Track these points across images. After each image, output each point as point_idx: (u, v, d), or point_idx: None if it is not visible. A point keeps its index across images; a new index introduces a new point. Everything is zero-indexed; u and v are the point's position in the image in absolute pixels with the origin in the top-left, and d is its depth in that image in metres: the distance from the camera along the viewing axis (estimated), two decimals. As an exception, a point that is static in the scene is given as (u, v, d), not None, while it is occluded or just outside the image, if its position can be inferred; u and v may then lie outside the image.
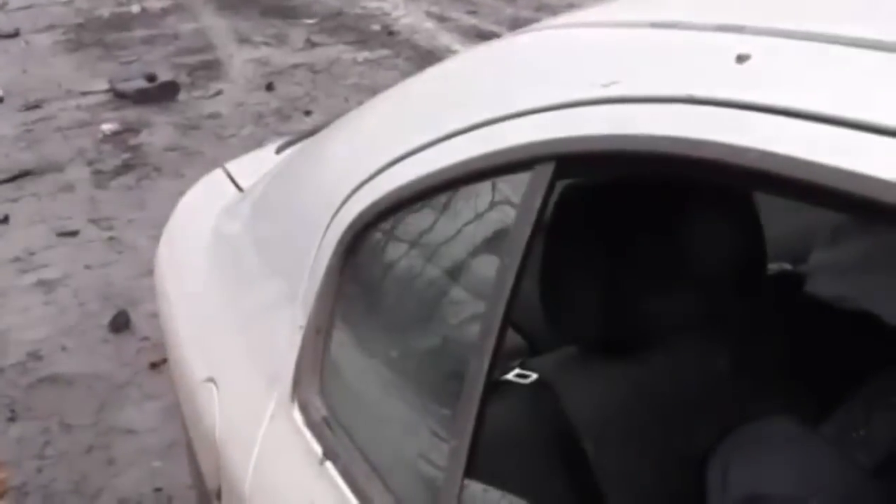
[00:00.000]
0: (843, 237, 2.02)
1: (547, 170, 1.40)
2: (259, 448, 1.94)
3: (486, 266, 1.67)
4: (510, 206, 1.54)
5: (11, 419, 4.51)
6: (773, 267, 2.01)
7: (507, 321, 1.43)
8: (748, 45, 1.24)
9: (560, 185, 1.49)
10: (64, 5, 12.86)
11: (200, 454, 2.27)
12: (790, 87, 1.16)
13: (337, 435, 1.78)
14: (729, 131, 1.16)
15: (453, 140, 1.61)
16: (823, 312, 1.84)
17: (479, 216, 1.72)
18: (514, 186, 1.50)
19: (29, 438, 4.36)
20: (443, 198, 1.71)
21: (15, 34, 11.70)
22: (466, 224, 1.74)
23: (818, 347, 1.77)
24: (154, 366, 4.60)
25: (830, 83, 1.13)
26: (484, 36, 9.63)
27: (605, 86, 1.36)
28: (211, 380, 2.17)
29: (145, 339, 4.88)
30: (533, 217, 1.41)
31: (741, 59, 1.22)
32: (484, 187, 1.66)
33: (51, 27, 11.92)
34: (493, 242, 1.66)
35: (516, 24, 9.76)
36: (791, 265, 2.17)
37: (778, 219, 1.87)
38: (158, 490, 3.96)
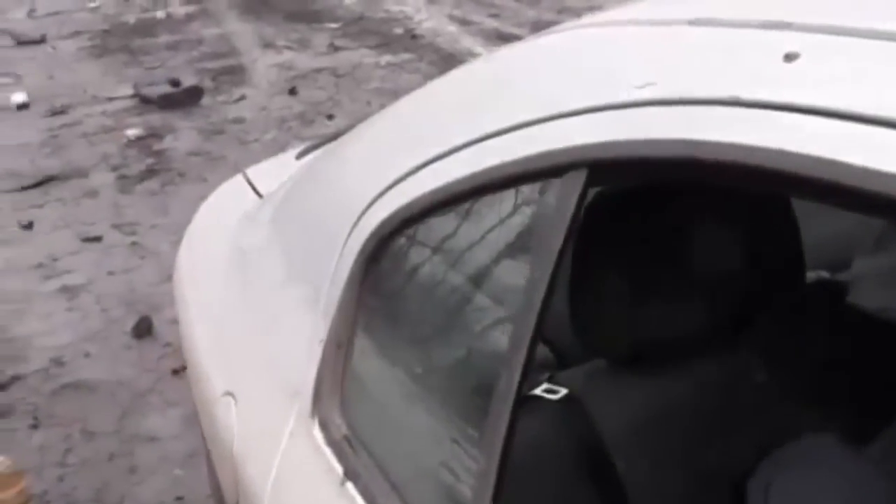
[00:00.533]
0: (888, 245, 1.92)
1: (579, 177, 1.31)
2: (278, 466, 1.84)
3: (508, 272, 1.58)
4: (533, 207, 1.45)
5: (34, 426, 4.45)
6: (810, 275, 1.91)
7: (538, 337, 1.34)
8: (796, 43, 1.14)
9: (591, 193, 1.40)
10: (90, 12, 12.88)
11: (219, 469, 2.18)
12: (845, 89, 1.06)
13: (358, 454, 1.69)
14: (780, 136, 1.06)
15: (479, 145, 1.51)
16: (867, 324, 1.74)
17: (503, 221, 1.62)
18: (540, 189, 1.41)
19: (51, 446, 4.30)
20: (469, 205, 1.61)
21: (42, 40, 11.71)
22: (492, 231, 1.65)
23: (862, 361, 1.66)
24: (176, 372, 4.54)
25: (890, 84, 1.03)
26: (506, 39, 9.56)
27: (640, 87, 1.26)
28: (229, 394, 2.08)
29: (168, 345, 4.82)
30: (564, 227, 1.31)
31: (789, 57, 1.12)
32: (509, 192, 1.56)
33: (77, 33, 11.93)
34: (516, 246, 1.57)
35: (538, 27, 9.68)
36: (829, 273, 2.07)
37: (813, 224, 1.77)
38: (180, 499, 3.89)
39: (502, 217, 1.57)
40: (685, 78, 1.25)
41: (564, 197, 1.32)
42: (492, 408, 1.37)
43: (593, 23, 1.66)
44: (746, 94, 1.12)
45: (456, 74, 1.98)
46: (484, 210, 1.59)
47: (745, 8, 1.35)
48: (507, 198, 1.53)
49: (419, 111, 1.93)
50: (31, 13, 13.13)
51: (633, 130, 1.25)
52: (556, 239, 1.32)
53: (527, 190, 1.47)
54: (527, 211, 1.49)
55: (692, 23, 1.36)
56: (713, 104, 1.16)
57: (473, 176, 1.51)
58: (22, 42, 11.84)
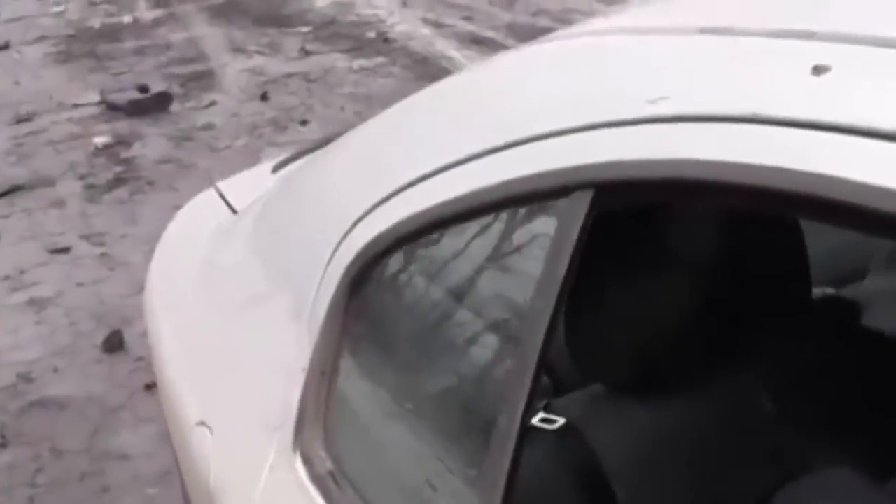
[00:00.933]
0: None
1: (585, 198, 1.22)
2: (258, 502, 1.75)
3: (507, 298, 1.50)
4: (535, 229, 1.37)
5: (2, 445, 4.35)
6: (815, 292, 1.83)
7: (542, 369, 1.25)
8: (823, 55, 1.05)
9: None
10: (54, 17, 12.73)
11: (195, 502, 2.08)
12: (881, 106, 0.97)
13: (344, 491, 1.60)
14: (807, 157, 0.98)
15: (473, 163, 1.42)
16: (884, 347, 1.66)
17: (500, 244, 1.53)
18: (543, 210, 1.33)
19: (20, 465, 4.19)
20: (464, 227, 1.52)
21: (5, 46, 11.56)
22: (487, 254, 1.55)
23: (879, 388, 1.58)
24: (149, 387, 4.41)
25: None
26: (481, 42, 9.51)
27: (651, 102, 1.17)
28: (204, 423, 1.97)
29: (140, 359, 4.68)
30: (569, 252, 1.22)
31: (819, 70, 1.03)
32: (507, 213, 1.47)
33: (42, 38, 11.79)
34: (516, 271, 1.49)
35: (514, 30, 9.64)
36: (834, 290, 1.99)
37: (814, 237, 1.69)
38: (154, 519, 3.78)
39: (500, 240, 1.48)
40: (700, 92, 1.17)
41: (569, 219, 1.24)
42: (492, 443, 1.29)
43: (594, 31, 1.57)
44: (772, 111, 1.04)
45: (447, 84, 1.88)
46: (480, 232, 1.50)
47: (759, 15, 1.27)
48: (506, 219, 1.44)
49: (406, 124, 1.84)
50: (-7, 19, 12.99)
51: (645, 149, 1.16)
52: (561, 265, 1.23)
53: (528, 211, 1.38)
54: (528, 233, 1.40)
55: (703, 31, 1.27)
56: (734, 121, 1.07)
57: (467, 196, 1.42)
58: (-14, 48, 11.72)
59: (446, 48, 9.53)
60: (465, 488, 1.40)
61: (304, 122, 7.93)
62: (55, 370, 4.84)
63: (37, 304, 5.49)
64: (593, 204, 1.22)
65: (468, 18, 10.62)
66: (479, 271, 1.57)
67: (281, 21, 11.35)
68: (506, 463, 1.26)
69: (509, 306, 1.46)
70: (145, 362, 4.50)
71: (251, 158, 6.70)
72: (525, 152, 1.32)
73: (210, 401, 2.03)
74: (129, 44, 11.17)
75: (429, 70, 8.55)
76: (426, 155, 1.56)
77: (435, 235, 1.55)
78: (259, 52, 10.26)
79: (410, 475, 1.61)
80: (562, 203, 1.25)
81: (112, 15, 12.48)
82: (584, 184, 1.22)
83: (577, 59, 1.49)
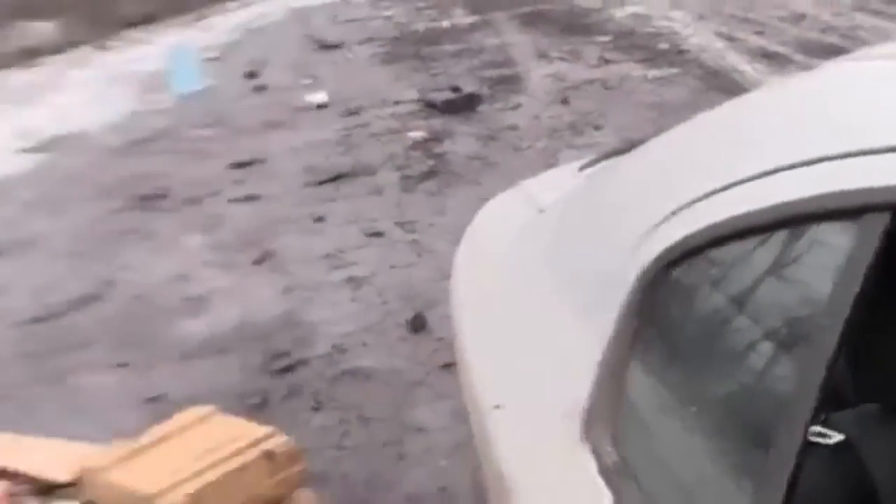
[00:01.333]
0: None
1: (881, 219, 1.15)
2: (547, 489, 1.73)
3: (794, 314, 1.42)
4: (826, 249, 1.29)
5: (316, 408, 4.49)
6: None
7: (826, 387, 1.18)
8: None
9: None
10: (383, 20, 13.15)
11: (488, 482, 2.07)
12: None
13: (631, 488, 1.55)
14: None
15: (768, 178, 1.36)
16: None
17: (790, 260, 1.46)
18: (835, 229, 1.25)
19: (330, 428, 4.31)
20: (756, 240, 1.46)
21: (339, 45, 12.00)
22: (778, 270, 1.49)
23: None
24: (446, 366, 4.46)
25: None
26: (770, 56, 9.26)
27: None
28: (499, 407, 1.97)
29: (440, 339, 4.76)
30: (862, 271, 1.15)
31: None
32: (799, 230, 1.40)
33: (370, 40, 12.19)
34: (803, 288, 1.41)
35: (801, 45, 9.35)
36: None
37: None
38: (443, 489, 3.81)
39: (790, 256, 1.42)
40: None
41: (863, 239, 1.17)
42: (772, 454, 1.23)
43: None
44: None
45: (745, 101, 1.82)
46: (772, 247, 1.44)
47: None
48: (797, 236, 1.38)
49: (705, 137, 1.77)
50: (332, 19, 13.49)
51: None
52: (853, 284, 1.16)
53: (820, 229, 1.31)
54: (819, 249, 1.33)
55: None
56: None
57: (759, 211, 1.36)
58: (323, 46, 12.19)
59: (738, 62, 9.31)
60: (743, 497, 1.34)
61: (598, 127, 7.90)
62: (364, 344, 4.98)
63: (354, 282, 5.66)
64: (890, 226, 1.14)
65: (759, 33, 10.37)
66: (765, 285, 1.50)
67: (582, 30, 11.38)
68: (785, 475, 1.20)
69: (796, 322, 1.39)
70: (445, 343, 4.57)
71: (550, 159, 6.74)
72: (820, 171, 1.26)
73: (506, 387, 2.02)
74: (447, 47, 11.41)
75: (720, 82, 8.38)
76: (722, 169, 1.51)
77: (726, 246, 1.50)
78: (561, 59, 10.30)
79: (692, 479, 1.56)
80: (856, 223, 1.18)
81: (434, 20, 12.79)
82: (879, 206, 1.15)
83: (877, 81, 1.41)
